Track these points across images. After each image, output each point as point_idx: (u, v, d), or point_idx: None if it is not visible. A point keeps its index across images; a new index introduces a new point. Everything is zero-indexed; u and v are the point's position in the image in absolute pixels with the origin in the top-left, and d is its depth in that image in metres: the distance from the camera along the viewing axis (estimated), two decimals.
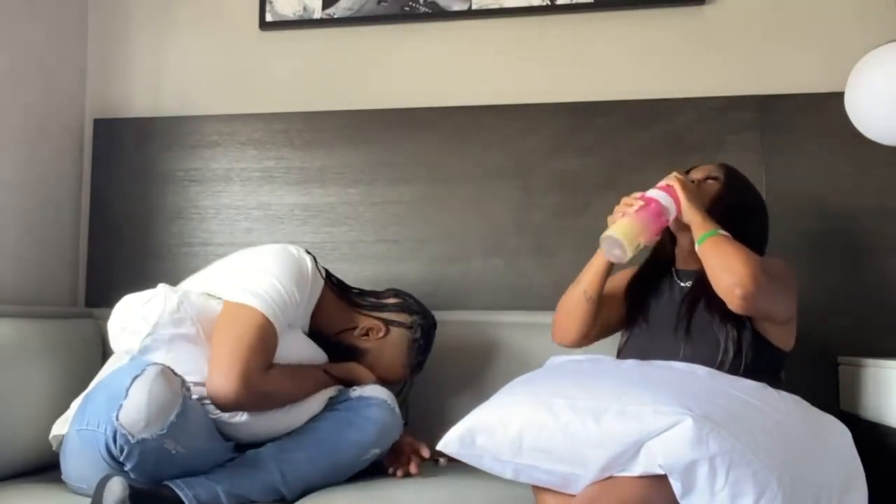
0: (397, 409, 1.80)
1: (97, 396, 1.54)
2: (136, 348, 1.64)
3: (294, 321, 1.80)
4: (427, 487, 1.70)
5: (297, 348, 1.80)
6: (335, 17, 2.44)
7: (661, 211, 1.66)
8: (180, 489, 1.50)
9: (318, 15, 2.45)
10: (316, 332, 1.88)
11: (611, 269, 1.77)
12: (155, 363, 1.52)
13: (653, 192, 1.70)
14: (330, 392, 1.80)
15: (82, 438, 1.53)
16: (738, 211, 1.74)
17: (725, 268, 1.55)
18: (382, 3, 2.42)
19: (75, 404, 1.72)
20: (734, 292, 1.53)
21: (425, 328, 1.96)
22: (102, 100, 2.54)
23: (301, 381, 1.75)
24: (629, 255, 1.64)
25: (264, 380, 1.66)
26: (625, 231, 1.63)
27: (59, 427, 1.71)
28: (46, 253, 2.35)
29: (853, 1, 2.24)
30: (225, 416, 1.66)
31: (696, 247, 1.62)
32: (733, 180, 1.79)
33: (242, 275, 1.75)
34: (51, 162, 2.40)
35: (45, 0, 2.37)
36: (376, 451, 1.76)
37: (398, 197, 2.35)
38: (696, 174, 1.81)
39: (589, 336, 1.82)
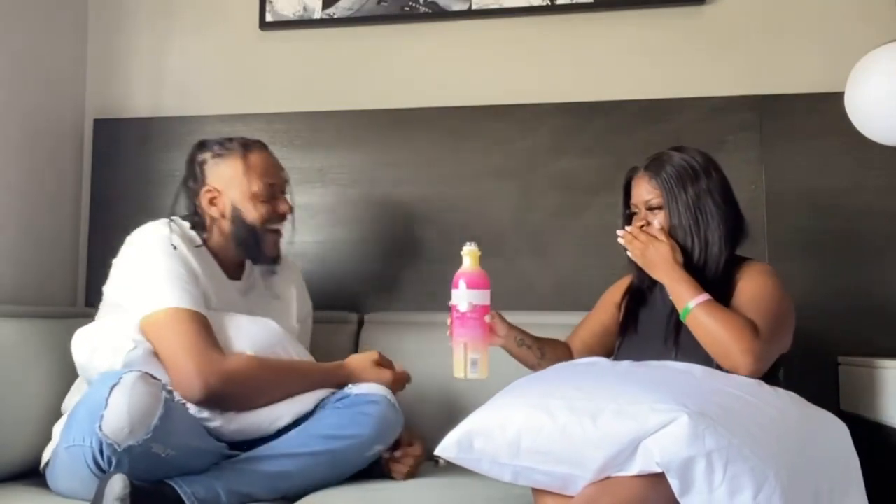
0: (397, 406, 1.80)
1: (78, 412, 1.53)
2: (118, 364, 1.64)
3: (211, 286, 1.81)
4: (427, 488, 1.70)
5: (245, 332, 1.78)
6: (335, 17, 2.44)
7: (474, 315, 1.62)
8: (179, 487, 1.49)
9: (318, 15, 2.45)
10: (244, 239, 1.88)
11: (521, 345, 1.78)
12: (131, 370, 1.51)
13: (458, 299, 1.63)
14: (321, 393, 1.80)
15: (71, 455, 1.52)
16: (695, 218, 1.70)
17: (720, 350, 1.57)
18: (382, 3, 2.42)
19: (57, 429, 1.73)
20: (739, 372, 1.54)
21: (209, 141, 1.93)
22: (102, 100, 2.54)
23: (285, 377, 1.75)
24: (485, 371, 1.63)
25: (224, 360, 1.67)
26: (457, 366, 1.62)
27: (48, 454, 1.72)
28: (46, 253, 2.35)
29: (854, 1, 2.24)
30: (205, 414, 1.67)
31: (681, 320, 1.64)
32: (671, 190, 1.71)
33: (131, 288, 1.76)
34: (51, 162, 2.40)
35: (45, 0, 2.37)
36: (378, 446, 1.76)
37: (398, 197, 2.35)
38: (636, 195, 1.77)
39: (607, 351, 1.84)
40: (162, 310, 1.70)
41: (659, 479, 1.31)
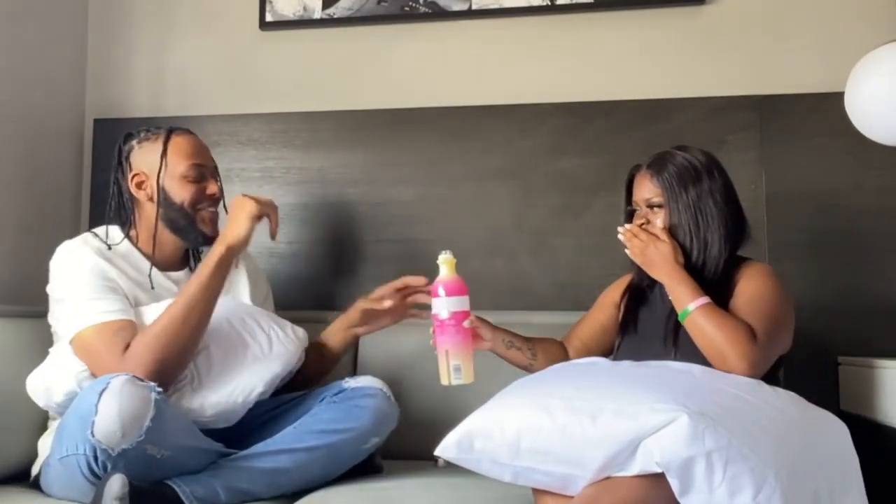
0: (392, 398, 1.81)
1: (69, 421, 1.52)
2: (74, 388, 1.65)
3: (138, 286, 1.78)
4: (427, 488, 1.70)
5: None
6: (335, 17, 2.44)
7: (454, 322, 1.62)
8: (178, 486, 1.50)
9: (318, 15, 2.45)
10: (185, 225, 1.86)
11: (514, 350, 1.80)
12: (118, 374, 1.51)
13: (438, 307, 1.64)
14: (286, 355, 1.79)
15: (65, 466, 1.51)
16: (695, 219, 1.70)
17: (716, 354, 1.56)
18: (382, 3, 2.42)
19: (42, 442, 1.74)
20: (735, 373, 1.54)
21: (134, 131, 1.92)
22: (102, 100, 2.54)
23: (181, 309, 1.68)
24: (469, 376, 1.63)
25: (135, 352, 1.64)
26: (442, 373, 1.63)
27: (37, 468, 1.73)
28: (46, 253, 2.33)
29: (853, 1, 2.24)
30: (193, 407, 1.67)
31: (679, 322, 1.64)
32: (672, 189, 1.71)
33: (58, 314, 1.76)
34: (51, 162, 2.40)
35: (45, 0, 2.37)
36: (375, 439, 1.76)
37: (398, 197, 2.35)
38: (637, 192, 1.76)
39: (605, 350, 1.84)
40: (81, 330, 1.69)
41: (659, 479, 1.31)
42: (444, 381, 1.64)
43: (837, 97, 1.96)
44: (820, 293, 2.11)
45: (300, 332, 1.89)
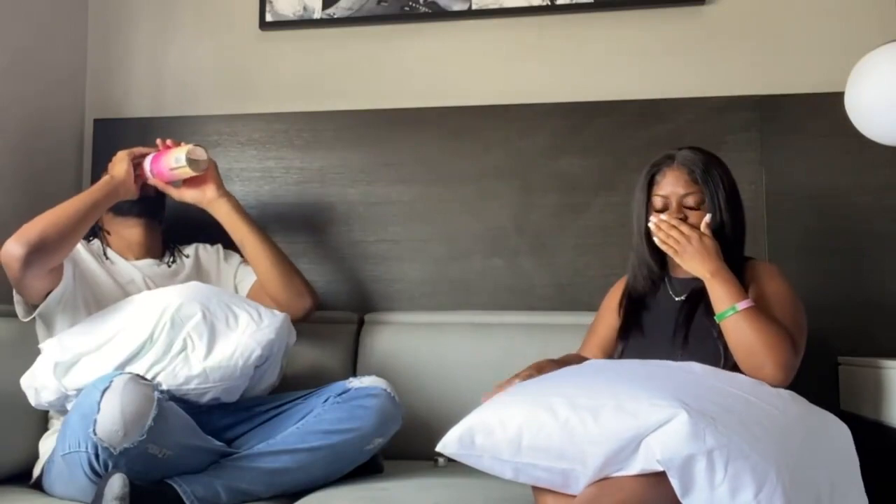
0: (397, 399, 1.81)
1: (72, 419, 1.54)
2: (55, 382, 1.68)
3: (103, 268, 1.96)
4: (427, 488, 1.69)
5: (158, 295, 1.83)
6: (335, 17, 2.44)
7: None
8: (179, 486, 1.50)
9: (318, 15, 2.45)
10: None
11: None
12: (122, 372, 1.52)
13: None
14: (276, 322, 1.83)
15: (68, 463, 1.52)
16: (731, 218, 1.71)
17: (753, 361, 1.54)
18: (382, 3, 2.42)
19: (43, 444, 1.76)
20: (766, 381, 1.53)
21: None
22: (102, 100, 2.54)
23: (60, 207, 1.83)
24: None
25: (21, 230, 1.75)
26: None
27: (38, 470, 1.74)
28: None
29: (853, 1, 2.24)
30: (192, 385, 1.70)
31: (717, 320, 1.60)
32: (713, 189, 1.70)
33: None
34: (51, 162, 2.40)
35: (45, 0, 2.37)
36: (379, 440, 1.76)
37: (398, 197, 2.35)
38: (669, 187, 1.73)
39: None
40: None
41: (660, 478, 1.31)
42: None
43: (837, 97, 1.96)
44: (820, 293, 2.10)
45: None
